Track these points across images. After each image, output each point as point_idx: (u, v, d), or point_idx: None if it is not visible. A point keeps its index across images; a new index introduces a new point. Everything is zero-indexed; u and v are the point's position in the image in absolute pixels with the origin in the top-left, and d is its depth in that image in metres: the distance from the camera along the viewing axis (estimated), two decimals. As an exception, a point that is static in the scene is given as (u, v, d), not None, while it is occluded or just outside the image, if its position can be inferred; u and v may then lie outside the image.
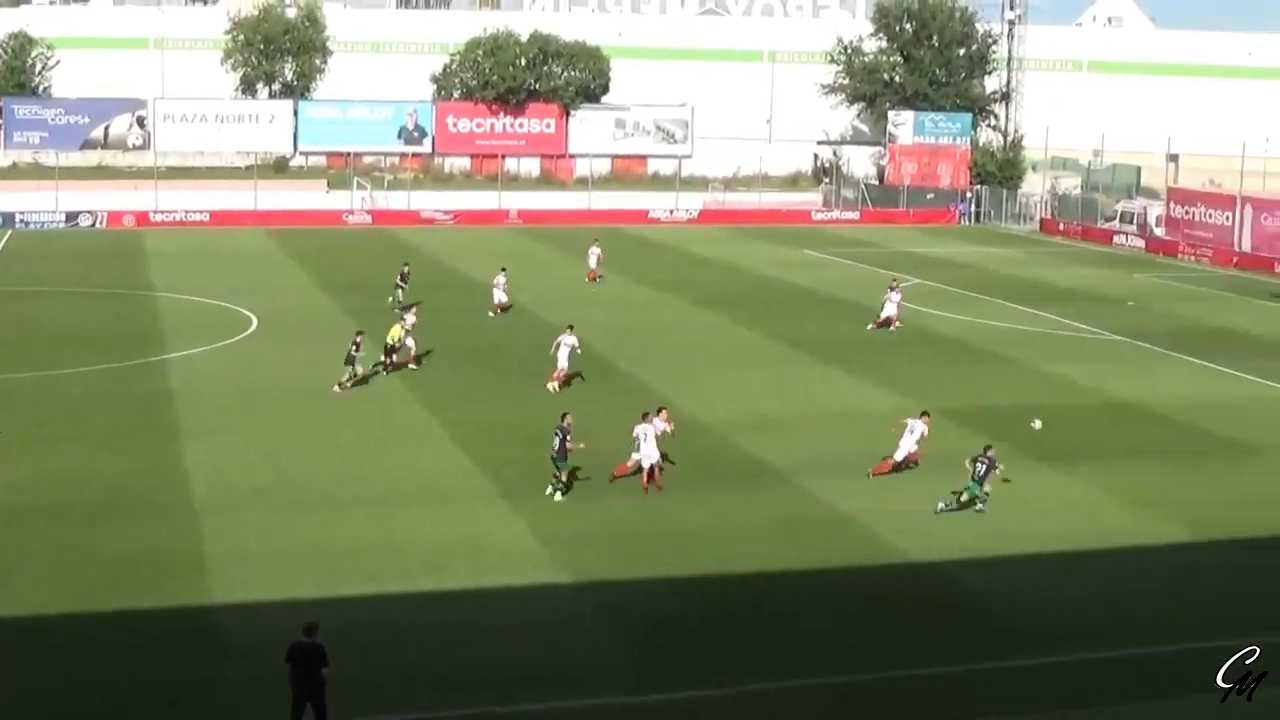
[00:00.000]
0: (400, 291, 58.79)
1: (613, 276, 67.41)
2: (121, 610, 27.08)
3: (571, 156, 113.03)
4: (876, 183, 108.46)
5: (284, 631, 22.96)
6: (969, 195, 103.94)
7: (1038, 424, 38.22)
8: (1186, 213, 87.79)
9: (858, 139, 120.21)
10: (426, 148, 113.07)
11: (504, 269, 60.80)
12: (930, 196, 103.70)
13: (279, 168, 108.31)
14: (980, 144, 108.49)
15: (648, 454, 34.40)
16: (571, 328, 46.26)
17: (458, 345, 51.13)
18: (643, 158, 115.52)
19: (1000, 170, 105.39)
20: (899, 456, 36.18)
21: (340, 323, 54.95)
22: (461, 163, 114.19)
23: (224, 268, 70.84)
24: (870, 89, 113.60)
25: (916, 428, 36.32)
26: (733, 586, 29.26)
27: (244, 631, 26.33)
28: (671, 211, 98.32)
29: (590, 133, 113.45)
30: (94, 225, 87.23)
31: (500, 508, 33.40)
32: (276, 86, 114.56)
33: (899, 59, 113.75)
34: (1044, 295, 66.80)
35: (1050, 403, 43.78)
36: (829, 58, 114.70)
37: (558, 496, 33.65)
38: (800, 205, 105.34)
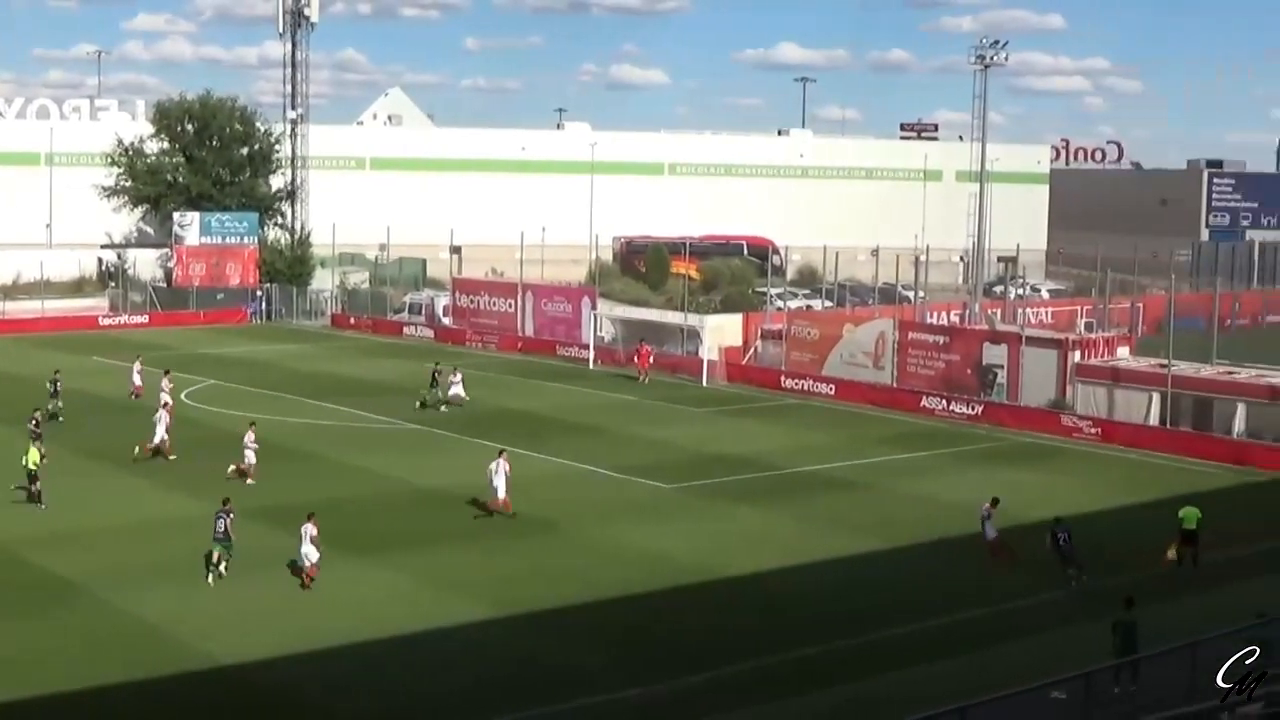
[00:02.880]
0: (54, 402, 57.58)
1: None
2: None
3: None
4: (165, 285, 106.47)
5: None
6: (260, 294, 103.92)
7: None
8: (472, 302, 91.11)
9: (144, 241, 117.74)
10: None
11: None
12: (220, 296, 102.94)
13: None
14: (269, 242, 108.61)
15: (306, 553, 35.20)
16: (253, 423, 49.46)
17: None
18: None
19: (290, 268, 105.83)
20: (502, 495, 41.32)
21: None
22: None
23: None
24: (154, 190, 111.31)
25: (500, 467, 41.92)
26: (35, 713, 27.90)
27: None
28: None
29: None
30: None
31: None
32: None
33: (182, 160, 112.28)
34: (338, 389, 67.64)
35: (355, 495, 44.30)
36: (109, 160, 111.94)
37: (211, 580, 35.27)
38: (87, 311, 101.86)
